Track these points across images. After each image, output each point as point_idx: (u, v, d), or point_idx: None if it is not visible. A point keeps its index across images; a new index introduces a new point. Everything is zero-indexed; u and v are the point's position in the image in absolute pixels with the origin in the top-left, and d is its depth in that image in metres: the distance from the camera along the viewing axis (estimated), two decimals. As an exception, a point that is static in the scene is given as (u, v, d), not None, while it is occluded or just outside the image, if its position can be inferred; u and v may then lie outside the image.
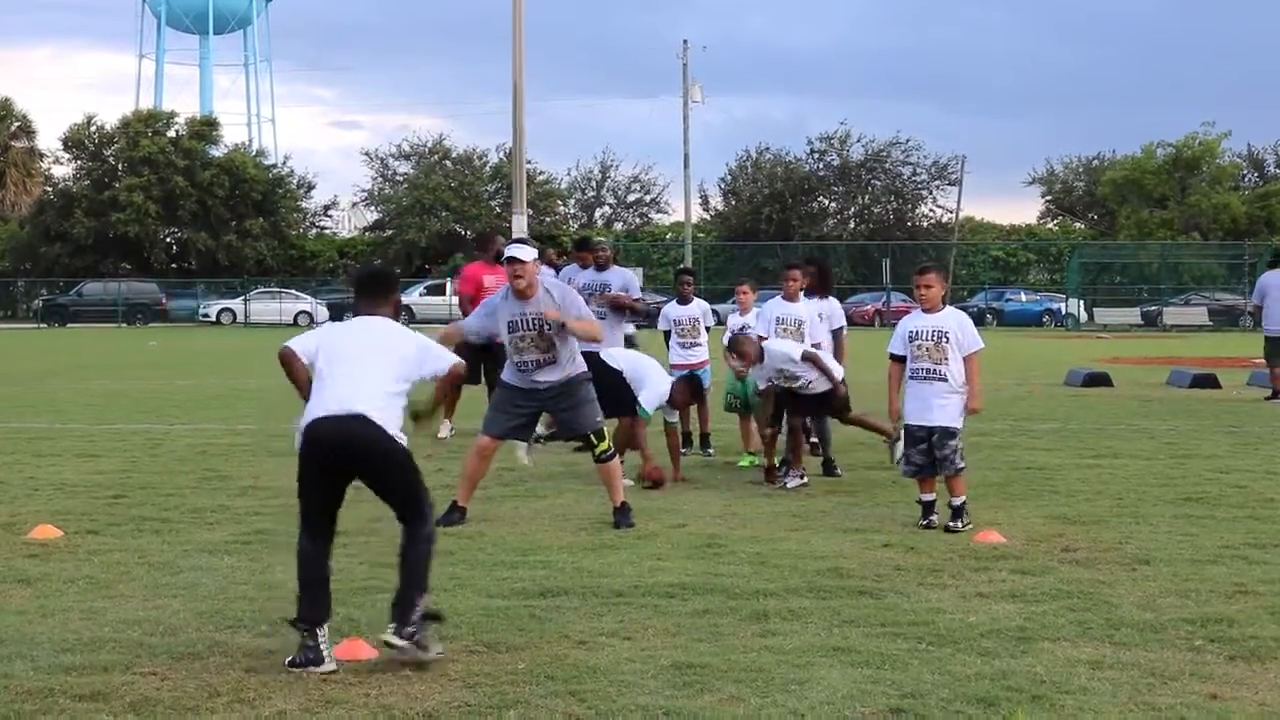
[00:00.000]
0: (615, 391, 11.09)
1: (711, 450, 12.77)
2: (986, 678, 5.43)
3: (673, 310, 13.07)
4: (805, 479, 10.58)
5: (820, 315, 11.38)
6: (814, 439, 11.52)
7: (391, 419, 5.73)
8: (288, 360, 5.89)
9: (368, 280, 6.13)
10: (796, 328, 10.95)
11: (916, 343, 8.93)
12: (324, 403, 5.68)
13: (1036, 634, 6.10)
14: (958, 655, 5.77)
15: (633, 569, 7.47)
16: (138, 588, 7.05)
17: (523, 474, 11.07)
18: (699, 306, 13.12)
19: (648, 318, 16.87)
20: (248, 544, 8.16)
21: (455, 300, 20.53)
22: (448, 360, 6.00)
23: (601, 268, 13.15)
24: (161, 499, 9.91)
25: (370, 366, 5.78)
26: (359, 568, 7.46)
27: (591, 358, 9.85)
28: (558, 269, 14.06)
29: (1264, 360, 19.88)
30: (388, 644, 5.54)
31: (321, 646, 5.57)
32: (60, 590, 6.99)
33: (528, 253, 8.74)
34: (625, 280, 13.17)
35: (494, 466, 9.63)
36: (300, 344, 5.92)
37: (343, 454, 5.66)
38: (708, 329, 13.17)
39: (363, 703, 5.14)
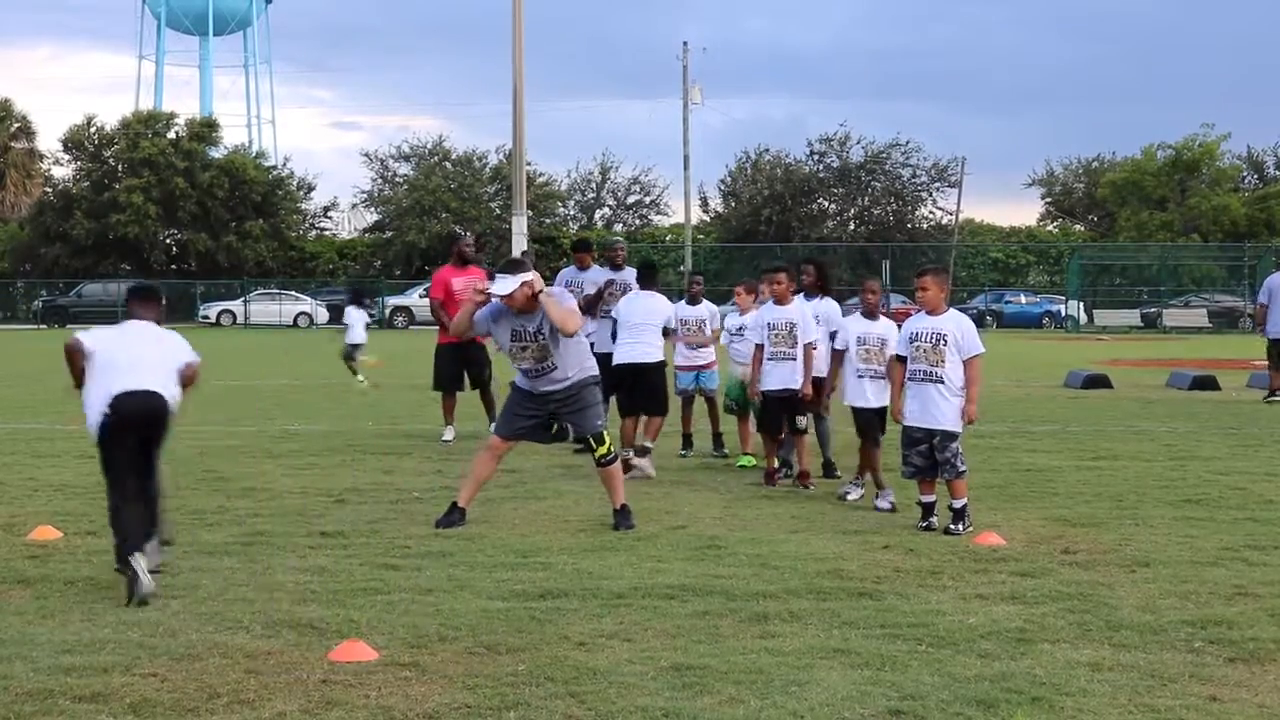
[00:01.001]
0: (650, 390, 11.35)
1: (726, 450, 12.72)
2: (986, 679, 5.43)
3: (680, 310, 13.05)
4: (893, 501, 9.77)
5: (816, 317, 10.90)
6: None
7: (172, 397, 7.24)
8: (73, 351, 7.17)
9: (142, 293, 7.69)
10: (789, 331, 10.64)
11: (916, 344, 8.94)
12: (124, 383, 7.04)
13: (1036, 636, 6.10)
14: (957, 657, 5.77)
15: (633, 571, 7.47)
16: (138, 589, 7.05)
17: (522, 475, 11.08)
18: (707, 308, 13.09)
19: None
20: (247, 545, 8.16)
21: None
22: (193, 356, 7.48)
23: (618, 267, 13.16)
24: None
25: (151, 357, 7.25)
26: (358, 568, 7.48)
27: (602, 361, 9.97)
28: (552, 274, 14.11)
29: (1266, 362, 19.87)
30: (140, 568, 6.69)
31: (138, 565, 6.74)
32: (60, 591, 6.99)
33: (508, 286, 8.64)
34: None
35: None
36: (87, 338, 7.20)
37: (144, 421, 7.14)
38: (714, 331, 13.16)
39: (363, 704, 5.13)
